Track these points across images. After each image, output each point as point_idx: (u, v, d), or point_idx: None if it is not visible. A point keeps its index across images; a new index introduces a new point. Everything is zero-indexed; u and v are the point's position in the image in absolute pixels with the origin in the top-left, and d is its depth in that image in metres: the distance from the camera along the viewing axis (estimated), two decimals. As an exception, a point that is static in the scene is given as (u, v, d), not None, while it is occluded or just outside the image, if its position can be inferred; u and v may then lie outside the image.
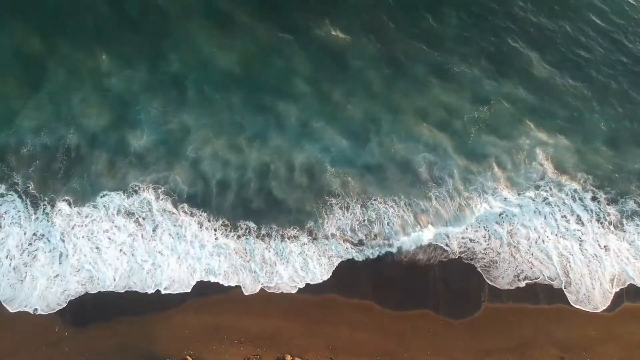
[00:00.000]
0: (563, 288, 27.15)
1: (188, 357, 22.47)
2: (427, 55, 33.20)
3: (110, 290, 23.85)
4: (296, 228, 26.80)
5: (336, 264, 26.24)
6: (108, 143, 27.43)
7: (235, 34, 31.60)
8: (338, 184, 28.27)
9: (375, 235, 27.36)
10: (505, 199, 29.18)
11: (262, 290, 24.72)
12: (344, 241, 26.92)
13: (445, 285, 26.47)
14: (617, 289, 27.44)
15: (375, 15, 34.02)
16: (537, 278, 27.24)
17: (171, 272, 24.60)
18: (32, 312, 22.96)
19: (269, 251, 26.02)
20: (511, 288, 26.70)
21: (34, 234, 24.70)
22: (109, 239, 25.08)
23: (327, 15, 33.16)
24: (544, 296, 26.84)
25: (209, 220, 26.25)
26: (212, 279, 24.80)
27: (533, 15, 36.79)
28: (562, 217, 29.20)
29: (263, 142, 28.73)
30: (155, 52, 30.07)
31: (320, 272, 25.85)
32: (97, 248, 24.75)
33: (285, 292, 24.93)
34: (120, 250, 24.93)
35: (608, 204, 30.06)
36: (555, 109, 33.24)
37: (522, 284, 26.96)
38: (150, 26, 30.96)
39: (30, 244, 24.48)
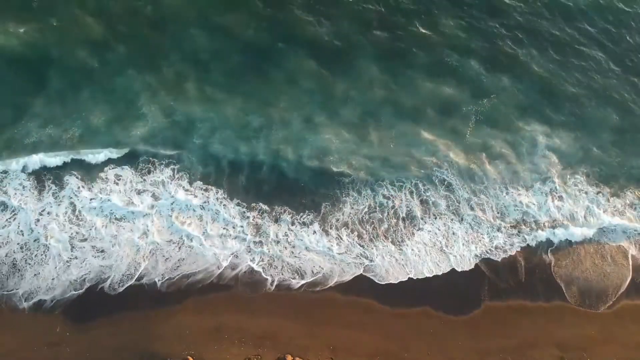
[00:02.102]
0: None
1: (189, 357, 22.52)
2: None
3: (128, 276, 24.15)
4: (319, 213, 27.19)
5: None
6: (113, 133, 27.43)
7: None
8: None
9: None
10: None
11: (262, 289, 24.74)
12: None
13: (446, 283, 26.52)
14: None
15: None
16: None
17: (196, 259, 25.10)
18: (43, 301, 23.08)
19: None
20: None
21: (41, 212, 24.64)
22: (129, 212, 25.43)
23: (327, 13, 32.91)
24: (543, 293, 26.95)
25: (225, 198, 26.59)
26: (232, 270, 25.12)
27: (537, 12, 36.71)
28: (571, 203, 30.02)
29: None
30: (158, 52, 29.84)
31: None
32: (114, 227, 25.00)
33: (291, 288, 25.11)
34: (140, 229, 25.19)
35: (612, 196, 30.68)
36: (559, 103, 33.35)
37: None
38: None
39: (38, 220, 24.46)
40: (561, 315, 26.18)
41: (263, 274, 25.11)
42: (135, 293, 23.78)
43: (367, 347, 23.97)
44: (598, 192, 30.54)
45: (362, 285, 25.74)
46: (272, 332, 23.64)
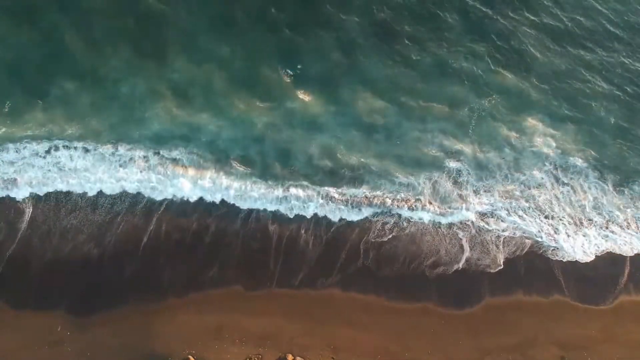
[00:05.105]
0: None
1: (190, 357, 22.59)
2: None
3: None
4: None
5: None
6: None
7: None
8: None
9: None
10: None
11: (263, 288, 24.66)
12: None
13: (447, 279, 26.48)
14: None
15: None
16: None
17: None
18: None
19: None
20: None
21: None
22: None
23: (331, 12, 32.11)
24: (543, 290, 27.05)
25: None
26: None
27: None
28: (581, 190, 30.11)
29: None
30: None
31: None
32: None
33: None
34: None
35: (615, 186, 30.79)
36: (562, 97, 32.96)
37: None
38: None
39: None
40: (561, 312, 26.25)
41: (269, 227, 25.91)
42: (136, 292, 23.69)
43: (368, 345, 24.04)
44: (601, 179, 30.39)
45: (361, 281, 25.68)
46: (273, 331, 23.65)
